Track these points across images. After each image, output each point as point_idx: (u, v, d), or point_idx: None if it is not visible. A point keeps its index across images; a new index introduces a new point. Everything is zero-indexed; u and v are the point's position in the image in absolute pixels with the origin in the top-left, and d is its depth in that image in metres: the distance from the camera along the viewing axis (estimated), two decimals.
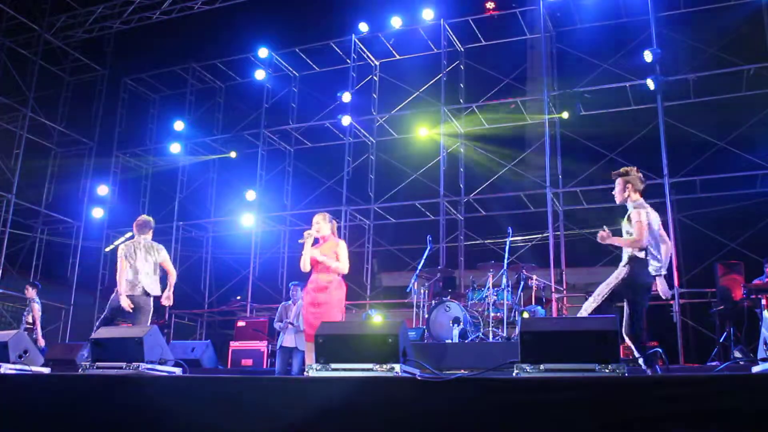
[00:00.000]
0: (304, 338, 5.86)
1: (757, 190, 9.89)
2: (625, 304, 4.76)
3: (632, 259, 4.75)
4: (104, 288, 13.35)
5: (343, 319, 6.02)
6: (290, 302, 8.02)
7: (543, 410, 2.80)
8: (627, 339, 4.68)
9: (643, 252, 4.74)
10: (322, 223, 5.77)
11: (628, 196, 4.96)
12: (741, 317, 7.84)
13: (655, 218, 4.90)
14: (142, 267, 6.68)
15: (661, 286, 4.94)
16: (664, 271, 4.90)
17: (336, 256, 5.72)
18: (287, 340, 7.72)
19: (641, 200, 4.95)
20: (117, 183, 14.60)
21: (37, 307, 9.30)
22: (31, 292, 9.42)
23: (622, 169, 5.07)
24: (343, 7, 12.79)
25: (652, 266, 4.82)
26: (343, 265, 5.69)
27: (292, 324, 7.71)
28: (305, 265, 5.72)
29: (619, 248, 4.95)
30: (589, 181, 10.79)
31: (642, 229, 4.72)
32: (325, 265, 5.66)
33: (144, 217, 7.01)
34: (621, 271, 4.76)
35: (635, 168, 5.08)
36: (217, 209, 14.38)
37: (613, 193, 5.13)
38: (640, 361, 4.58)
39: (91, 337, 4.38)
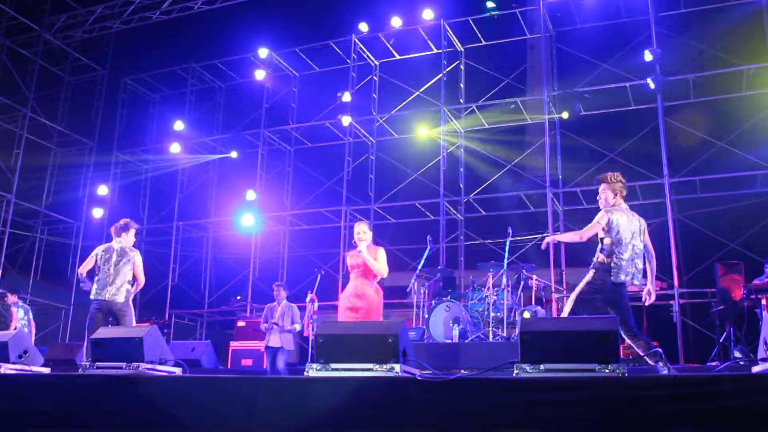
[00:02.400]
0: None
1: (757, 190, 9.89)
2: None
3: (595, 265, 4.81)
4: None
5: None
6: (275, 303, 8.23)
7: (543, 410, 2.80)
8: (627, 339, 4.69)
9: (609, 258, 4.76)
10: (368, 232, 6.04)
11: (615, 203, 4.92)
12: (741, 317, 7.84)
13: (627, 225, 4.83)
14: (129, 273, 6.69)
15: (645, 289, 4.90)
16: (636, 282, 4.82)
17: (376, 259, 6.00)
18: (272, 340, 7.99)
19: (622, 206, 4.93)
20: (117, 183, 14.60)
21: (15, 311, 9.25)
22: (11, 298, 9.39)
23: (609, 177, 5.03)
24: (343, 7, 12.78)
25: (624, 273, 4.76)
26: (383, 267, 5.92)
27: (276, 324, 7.97)
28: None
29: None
30: (589, 181, 10.79)
31: (593, 228, 4.80)
32: (365, 269, 5.89)
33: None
34: (587, 276, 4.80)
35: (619, 173, 5.06)
36: (217, 209, 14.37)
37: (598, 198, 5.09)
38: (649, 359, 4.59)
39: (91, 337, 4.38)
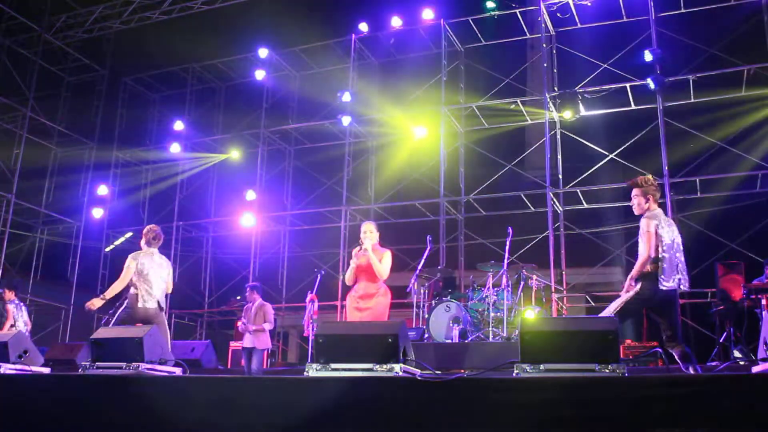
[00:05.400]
0: None
1: (757, 190, 9.89)
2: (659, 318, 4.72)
3: (643, 276, 4.65)
4: (104, 288, 13.33)
5: None
6: (250, 304, 8.50)
7: (543, 410, 2.80)
8: (671, 350, 4.62)
9: (654, 265, 4.61)
10: (375, 232, 5.91)
11: (648, 207, 4.76)
12: (741, 317, 7.83)
13: (666, 229, 4.69)
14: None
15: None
16: (683, 287, 4.69)
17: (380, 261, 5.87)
18: (245, 340, 8.31)
19: (657, 211, 4.78)
20: (117, 183, 14.61)
21: (11, 310, 9.18)
22: (8, 295, 9.32)
23: (638, 180, 4.84)
24: (343, 7, 12.80)
25: (670, 278, 4.61)
26: (385, 269, 5.81)
27: (244, 324, 8.31)
28: (350, 278, 5.86)
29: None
30: (589, 181, 10.79)
31: (649, 239, 4.60)
32: (373, 271, 5.77)
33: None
34: (636, 287, 4.65)
35: (651, 176, 4.89)
36: (217, 209, 14.37)
37: (631, 204, 4.92)
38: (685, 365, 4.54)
39: (91, 337, 4.37)
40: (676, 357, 4.55)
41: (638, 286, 4.65)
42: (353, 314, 5.80)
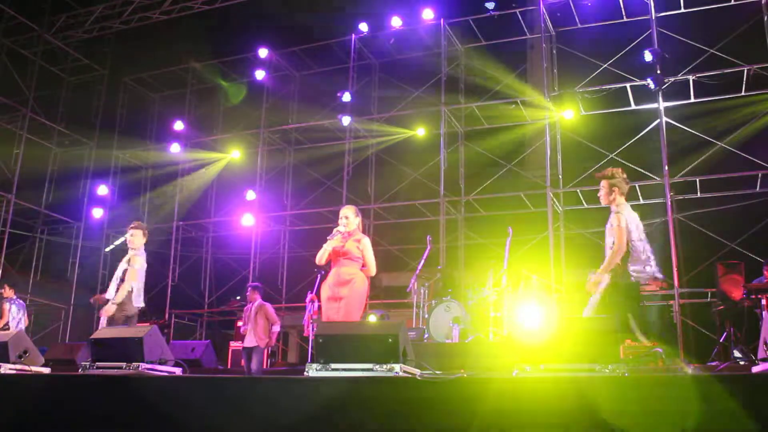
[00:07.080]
0: None
1: (757, 190, 9.89)
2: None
3: (614, 268, 4.78)
4: (104, 288, 13.35)
5: (361, 316, 5.79)
6: (250, 304, 8.51)
7: (543, 410, 2.80)
8: (640, 338, 4.69)
9: (624, 256, 4.75)
10: (352, 218, 5.62)
11: (614, 199, 4.93)
12: (741, 317, 7.83)
13: (632, 219, 4.86)
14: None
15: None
16: (650, 270, 4.80)
17: (362, 257, 5.58)
18: (246, 340, 8.32)
19: (623, 204, 4.93)
20: (117, 183, 14.60)
21: (6, 308, 9.07)
22: (8, 293, 9.23)
23: (607, 172, 5.05)
24: (343, 7, 12.78)
25: (646, 270, 4.74)
26: (370, 266, 5.55)
27: (245, 326, 8.37)
28: (322, 259, 5.57)
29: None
30: (589, 181, 10.78)
31: (621, 234, 4.76)
32: (349, 257, 5.49)
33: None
34: (608, 278, 4.79)
35: (620, 169, 5.07)
36: (217, 209, 14.37)
37: (598, 195, 5.11)
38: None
39: (91, 337, 4.37)
40: (661, 354, 4.62)
41: (609, 278, 4.75)
42: (329, 305, 5.45)
